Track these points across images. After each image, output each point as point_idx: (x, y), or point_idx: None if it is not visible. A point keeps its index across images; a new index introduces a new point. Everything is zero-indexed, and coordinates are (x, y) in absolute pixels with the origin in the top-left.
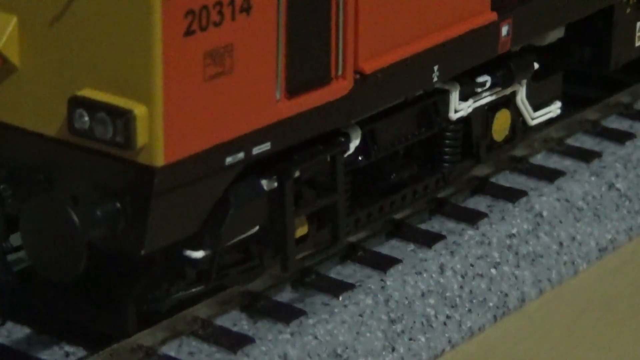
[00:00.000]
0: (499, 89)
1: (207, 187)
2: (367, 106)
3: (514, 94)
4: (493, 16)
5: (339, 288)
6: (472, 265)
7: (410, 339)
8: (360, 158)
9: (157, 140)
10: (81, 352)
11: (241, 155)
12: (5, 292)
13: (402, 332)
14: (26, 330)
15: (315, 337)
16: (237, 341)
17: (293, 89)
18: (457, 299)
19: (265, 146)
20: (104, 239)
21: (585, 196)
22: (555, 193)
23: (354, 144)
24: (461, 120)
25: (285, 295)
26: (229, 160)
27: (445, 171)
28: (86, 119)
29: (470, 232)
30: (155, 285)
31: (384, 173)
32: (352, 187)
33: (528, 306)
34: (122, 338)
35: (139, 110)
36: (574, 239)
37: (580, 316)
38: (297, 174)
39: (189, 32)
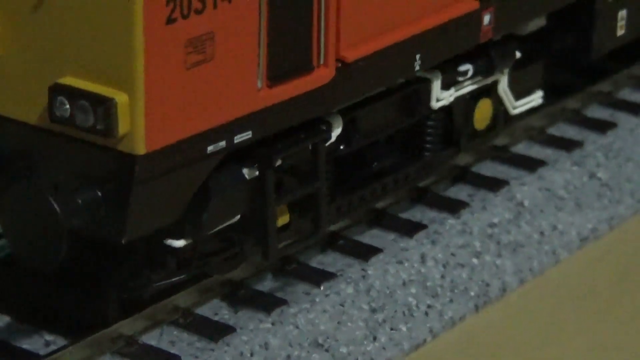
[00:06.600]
0: (480, 77)
1: (189, 175)
2: (349, 94)
3: (495, 83)
4: (475, 5)
5: (320, 277)
6: (453, 254)
7: (391, 329)
8: (341, 146)
9: (138, 128)
10: (62, 341)
11: (222, 143)
12: None
13: (384, 321)
14: (6, 319)
15: (297, 327)
16: (218, 330)
17: (275, 78)
18: (439, 289)
19: (247, 134)
20: (85, 227)
21: (567, 185)
22: (537, 182)
23: (336, 132)
24: (443, 109)
25: (267, 284)
26: (210, 148)
27: (427, 160)
28: (67, 106)
29: (451, 221)
30: (136, 274)
31: (366, 161)
32: (334, 176)
33: (509, 296)
34: (102, 327)
35: (120, 98)
36: (555, 228)
37: (561, 305)
38: (278, 162)
39: (170, 20)
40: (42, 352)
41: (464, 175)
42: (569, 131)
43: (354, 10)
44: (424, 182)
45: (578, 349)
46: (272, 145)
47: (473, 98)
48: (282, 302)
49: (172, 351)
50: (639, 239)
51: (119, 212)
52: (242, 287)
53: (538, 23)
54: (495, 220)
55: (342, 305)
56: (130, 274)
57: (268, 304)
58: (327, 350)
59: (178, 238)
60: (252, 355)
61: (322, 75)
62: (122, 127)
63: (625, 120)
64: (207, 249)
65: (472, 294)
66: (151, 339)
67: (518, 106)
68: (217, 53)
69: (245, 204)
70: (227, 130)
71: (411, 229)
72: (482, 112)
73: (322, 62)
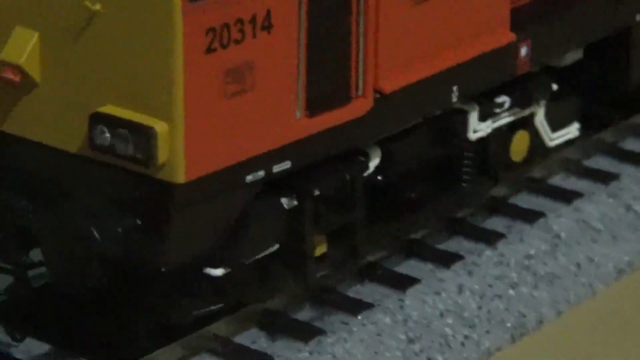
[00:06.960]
0: (517, 109)
1: (227, 204)
2: (387, 125)
3: (532, 114)
4: (512, 37)
5: (357, 307)
6: (490, 285)
7: (428, 359)
8: (379, 177)
9: (177, 157)
10: None
11: (261, 173)
12: (24, 307)
13: (420, 351)
14: (45, 347)
15: (334, 356)
16: (255, 359)
17: (313, 108)
18: (475, 319)
19: (286, 164)
20: (123, 254)
21: (603, 218)
22: (573, 214)
23: (374, 163)
24: (479, 140)
25: (304, 314)
26: (249, 178)
27: (464, 191)
28: (107, 135)
29: (488, 252)
30: (175, 302)
31: (403, 192)
32: (371, 206)
33: (546, 327)
34: (140, 355)
35: (160, 127)
36: (591, 260)
37: (597, 337)
38: (316, 192)
39: (210, 50)
40: None
41: (500, 207)
42: (605, 163)
43: (392, 42)
44: (460, 213)
45: None
46: (311, 175)
47: (510, 130)
48: (320, 331)
49: None
50: None
51: (158, 240)
52: (279, 316)
53: (575, 55)
54: (532, 251)
55: (379, 335)
56: (168, 302)
57: (305, 333)
58: None
59: (216, 267)
60: None
61: (360, 106)
62: (162, 156)
63: None
64: (245, 277)
65: (509, 324)
66: None
67: (555, 138)
68: (256, 83)
69: (283, 233)
70: (265, 160)
71: (448, 259)
72: (519, 144)
73: (360, 92)
